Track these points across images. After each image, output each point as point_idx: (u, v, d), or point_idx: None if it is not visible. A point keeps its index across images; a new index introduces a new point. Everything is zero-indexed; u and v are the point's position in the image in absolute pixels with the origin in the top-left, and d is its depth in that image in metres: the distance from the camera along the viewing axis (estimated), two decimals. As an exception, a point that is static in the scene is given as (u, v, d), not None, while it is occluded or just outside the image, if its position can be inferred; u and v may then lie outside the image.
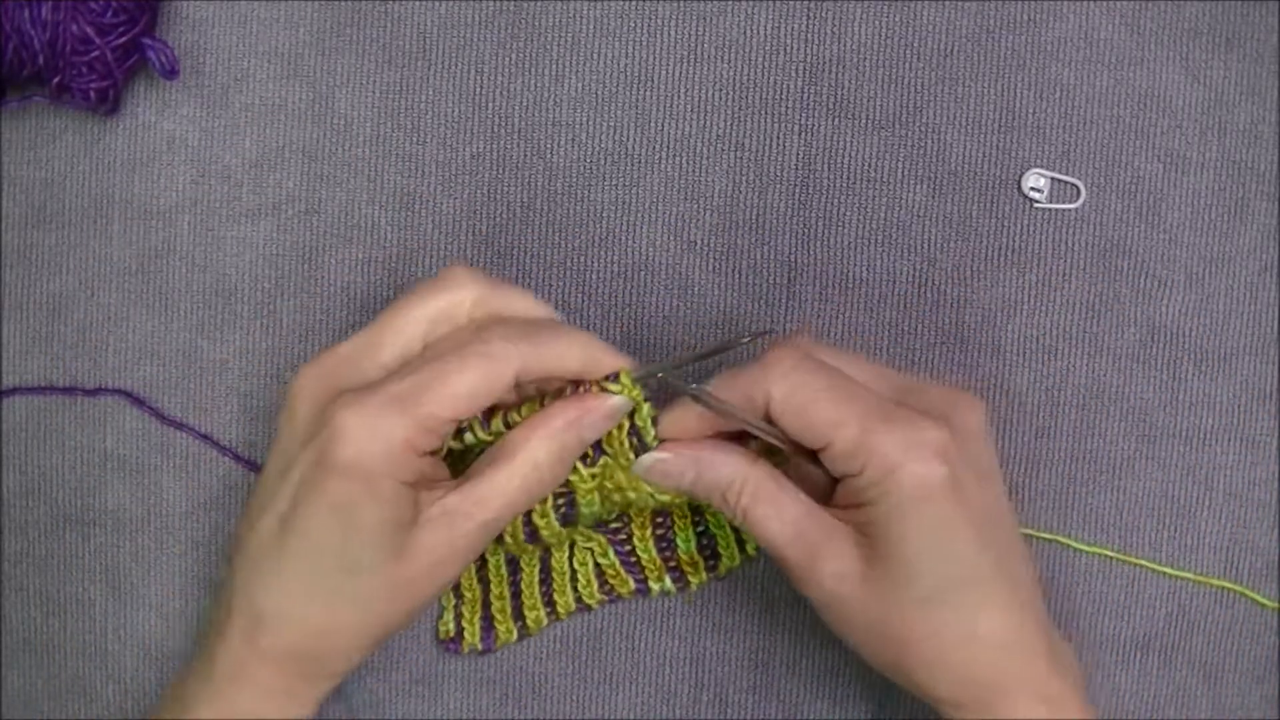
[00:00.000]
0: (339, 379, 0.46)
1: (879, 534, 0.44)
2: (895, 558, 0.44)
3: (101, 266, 0.55)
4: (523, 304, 0.47)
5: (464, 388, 0.44)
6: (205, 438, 0.55)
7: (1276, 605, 0.56)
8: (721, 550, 0.54)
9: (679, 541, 0.54)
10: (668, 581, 0.54)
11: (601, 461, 0.48)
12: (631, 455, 0.48)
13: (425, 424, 0.44)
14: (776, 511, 0.46)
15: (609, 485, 0.49)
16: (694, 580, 0.54)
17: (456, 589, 0.55)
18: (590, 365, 0.46)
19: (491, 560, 0.54)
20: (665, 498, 0.49)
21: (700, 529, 0.54)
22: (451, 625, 0.55)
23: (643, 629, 0.56)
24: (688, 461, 0.47)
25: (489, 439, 0.47)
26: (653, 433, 0.47)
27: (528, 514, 0.49)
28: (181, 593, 0.55)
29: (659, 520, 0.54)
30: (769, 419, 0.46)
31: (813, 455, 0.46)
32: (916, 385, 0.48)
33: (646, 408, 0.47)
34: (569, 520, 0.49)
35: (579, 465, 0.48)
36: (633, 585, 0.54)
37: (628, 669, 0.56)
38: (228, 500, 0.55)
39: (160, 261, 0.55)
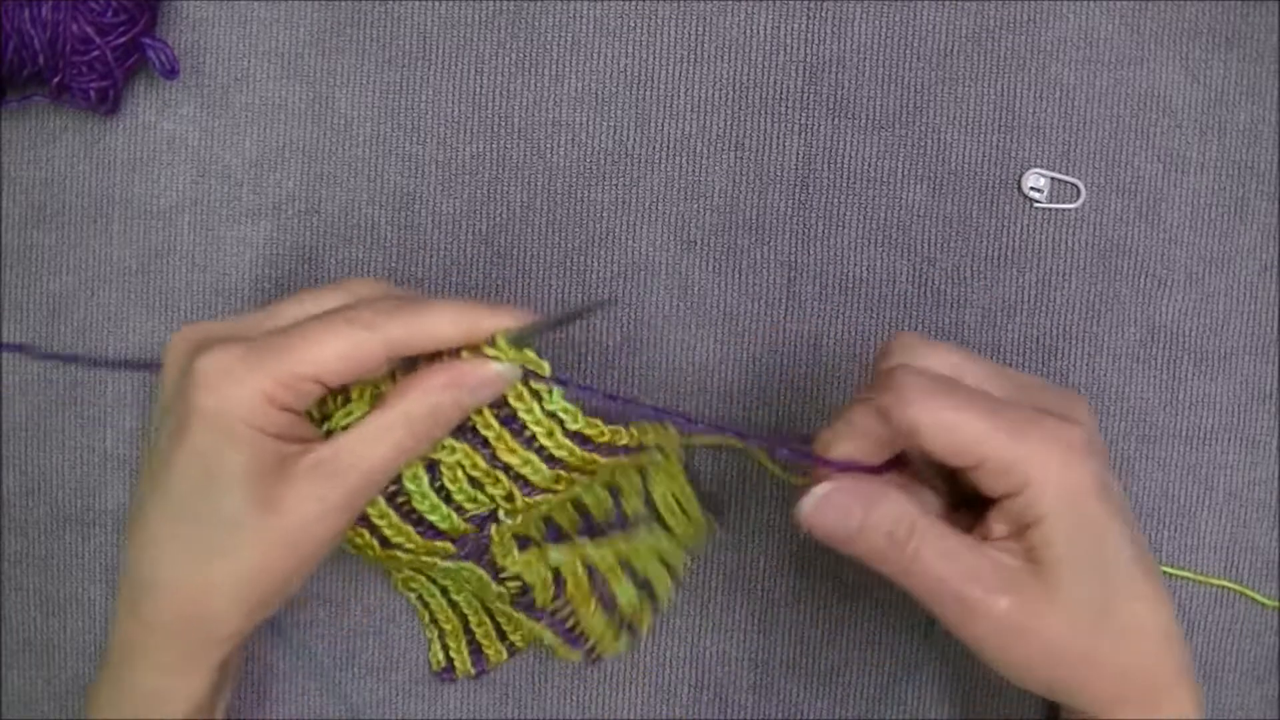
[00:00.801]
0: (209, 334, 0.45)
1: (1044, 547, 0.42)
2: (1062, 570, 0.42)
3: (101, 266, 0.55)
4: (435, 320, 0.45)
5: (329, 350, 0.43)
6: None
7: (1276, 605, 0.56)
8: (657, 586, 0.51)
9: (620, 597, 0.50)
10: (623, 642, 0.51)
11: (464, 445, 0.47)
12: (542, 422, 0.46)
13: (285, 379, 0.43)
14: (945, 550, 0.43)
15: (450, 463, 0.47)
16: (643, 626, 0.51)
17: (434, 620, 0.54)
18: (470, 330, 0.45)
19: (460, 598, 0.54)
20: (528, 478, 0.47)
21: (634, 577, 0.51)
22: (441, 656, 0.55)
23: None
24: (859, 502, 0.44)
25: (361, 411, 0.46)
26: (559, 404, 0.46)
27: (412, 508, 0.47)
28: (181, 593, 0.55)
29: (595, 587, 0.51)
30: (913, 446, 0.43)
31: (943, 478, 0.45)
32: (1029, 385, 0.45)
33: (546, 366, 0.45)
34: (419, 526, 0.47)
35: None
36: (581, 657, 0.51)
37: (627, 669, 0.56)
38: (228, 500, 0.55)
39: (160, 261, 0.55)
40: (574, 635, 0.51)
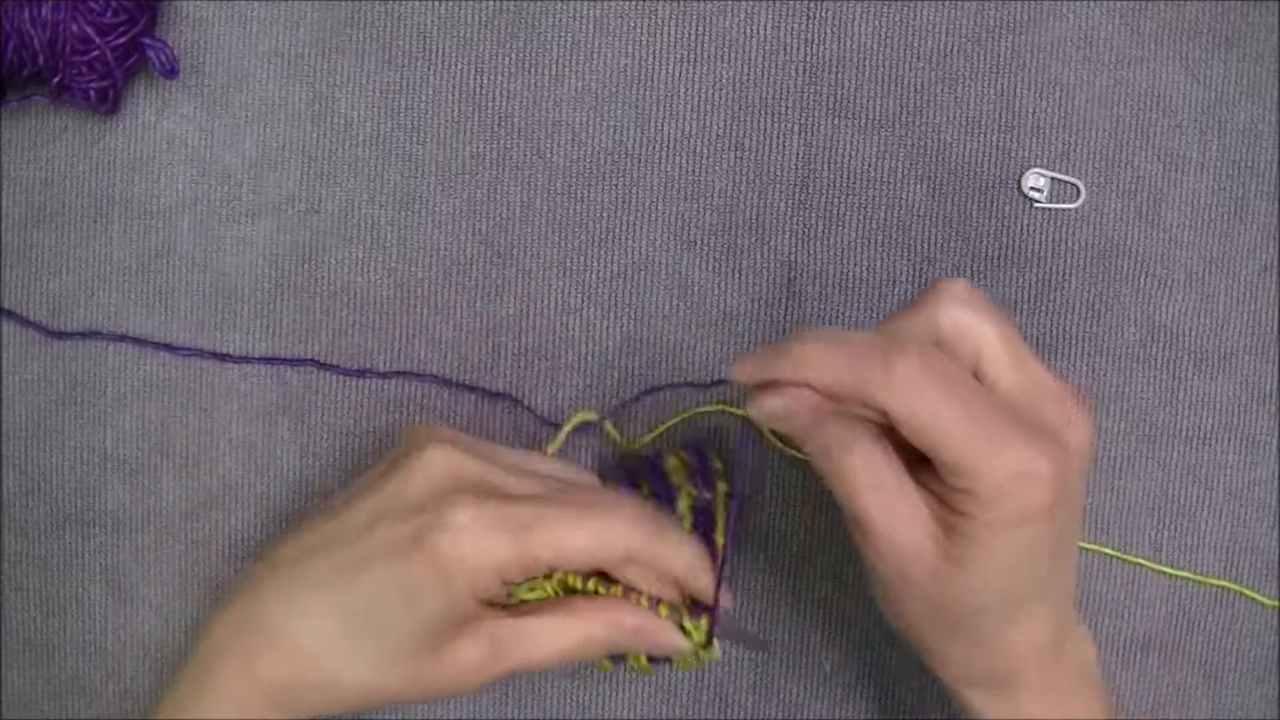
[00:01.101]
0: (466, 472, 0.46)
1: (963, 540, 0.43)
2: (972, 567, 0.43)
3: (101, 266, 0.55)
4: (682, 558, 0.47)
5: (577, 543, 0.44)
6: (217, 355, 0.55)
7: (1276, 605, 0.56)
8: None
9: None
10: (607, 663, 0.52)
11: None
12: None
13: (525, 560, 0.44)
14: (874, 479, 0.43)
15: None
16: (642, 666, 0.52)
17: None
18: (690, 577, 0.47)
19: None
20: None
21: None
22: None
23: (643, 629, 0.56)
24: (805, 411, 0.44)
25: (549, 591, 0.47)
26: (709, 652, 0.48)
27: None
28: (181, 593, 0.55)
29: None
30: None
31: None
32: (1039, 389, 0.45)
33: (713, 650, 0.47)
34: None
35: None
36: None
37: (628, 669, 0.56)
38: (227, 500, 0.55)
39: (160, 261, 0.55)
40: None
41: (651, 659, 0.50)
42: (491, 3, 0.54)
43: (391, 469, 0.47)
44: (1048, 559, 0.44)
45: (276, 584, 0.46)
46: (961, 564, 0.43)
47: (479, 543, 0.44)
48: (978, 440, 0.42)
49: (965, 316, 0.44)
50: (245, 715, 0.46)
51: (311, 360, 0.55)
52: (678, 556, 0.46)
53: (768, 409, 0.44)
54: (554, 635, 0.46)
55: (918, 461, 0.44)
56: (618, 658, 0.50)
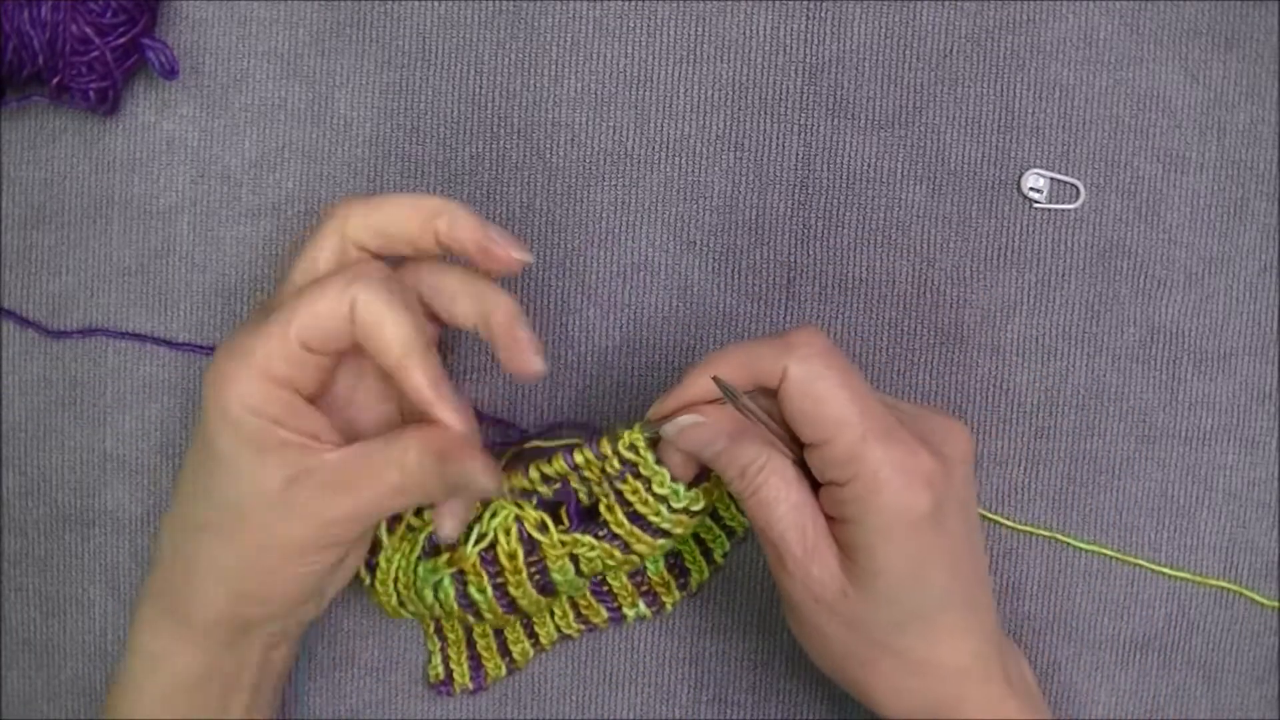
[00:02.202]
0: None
1: (858, 553, 0.44)
2: (872, 580, 0.44)
3: (101, 266, 0.55)
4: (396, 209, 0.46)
5: (320, 308, 0.43)
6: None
7: (1276, 605, 0.56)
8: (690, 565, 0.54)
9: (648, 564, 0.54)
10: (642, 606, 0.54)
11: (576, 534, 0.48)
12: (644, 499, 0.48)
13: (280, 353, 0.43)
14: (787, 496, 0.45)
15: (588, 557, 0.49)
16: (668, 601, 0.54)
17: (439, 631, 0.55)
18: (426, 213, 0.45)
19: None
20: (647, 557, 0.49)
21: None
22: (440, 669, 0.55)
23: (642, 629, 0.56)
24: (720, 433, 0.46)
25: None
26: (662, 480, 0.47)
27: (502, 585, 0.49)
28: (181, 593, 0.55)
29: None
30: (774, 395, 0.45)
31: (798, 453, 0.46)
32: (912, 410, 0.47)
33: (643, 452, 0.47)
34: (547, 590, 0.49)
35: (551, 527, 0.48)
36: (606, 614, 0.54)
37: (627, 669, 0.56)
38: (228, 500, 0.55)
39: (160, 261, 0.55)
40: (601, 589, 0.54)
41: (606, 604, 0.53)
42: (491, 3, 0.54)
43: None
44: (945, 571, 0.45)
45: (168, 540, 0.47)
46: (864, 579, 0.44)
47: (231, 355, 0.44)
48: (862, 423, 0.43)
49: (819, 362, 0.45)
50: (150, 628, 0.46)
51: None
52: (392, 208, 0.45)
53: (683, 422, 0.46)
54: (377, 460, 0.45)
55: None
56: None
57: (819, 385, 0.44)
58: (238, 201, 0.55)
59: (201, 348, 0.55)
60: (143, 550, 0.55)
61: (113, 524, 0.55)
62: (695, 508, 0.48)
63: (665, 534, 0.48)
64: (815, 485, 0.46)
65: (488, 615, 0.49)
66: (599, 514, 0.49)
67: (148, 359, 0.55)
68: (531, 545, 0.49)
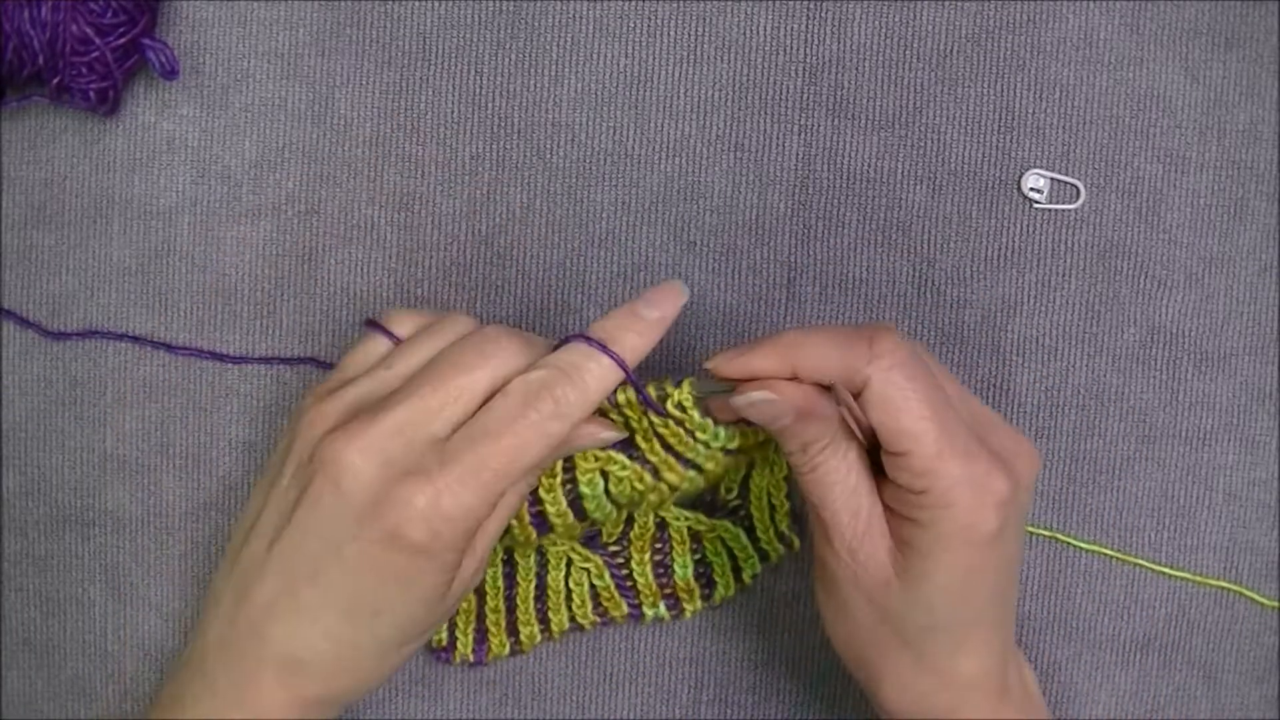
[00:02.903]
0: (395, 454, 0.45)
1: (913, 555, 0.44)
2: (920, 582, 0.44)
3: (101, 266, 0.55)
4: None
5: (531, 462, 0.44)
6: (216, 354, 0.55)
7: (1276, 605, 0.56)
8: (718, 578, 0.54)
9: (676, 568, 0.54)
10: (662, 608, 0.54)
11: (610, 451, 0.48)
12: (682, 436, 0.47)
13: (492, 498, 0.44)
14: (845, 478, 0.45)
15: (618, 476, 0.48)
16: (689, 608, 0.54)
17: None
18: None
19: (488, 572, 0.54)
20: (675, 489, 0.48)
21: (698, 556, 0.54)
22: (444, 634, 0.55)
23: (643, 630, 0.56)
24: (789, 408, 0.45)
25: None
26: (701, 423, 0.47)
27: (534, 496, 0.48)
28: (181, 593, 0.55)
29: (658, 546, 0.54)
30: (855, 398, 0.45)
31: (873, 450, 0.46)
32: (990, 419, 0.47)
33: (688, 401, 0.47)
34: (576, 509, 0.49)
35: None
36: (626, 609, 0.54)
37: (628, 669, 0.56)
38: (228, 501, 0.55)
39: (160, 261, 0.55)
40: (626, 584, 0.54)
41: (627, 599, 0.53)
42: (491, 3, 0.54)
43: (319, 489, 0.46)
44: (992, 585, 0.45)
45: (262, 610, 0.46)
46: (911, 578, 0.44)
47: (439, 513, 0.43)
48: (940, 440, 0.43)
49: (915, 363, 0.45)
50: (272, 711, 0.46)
51: (311, 360, 0.55)
52: (601, 379, 0.45)
53: (755, 398, 0.45)
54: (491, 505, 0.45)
55: (878, 476, 0.45)
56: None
57: (898, 399, 0.43)
58: (238, 201, 0.55)
59: (201, 352, 0.55)
60: (143, 550, 0.55)
61: (113, 524, 0.55)
62: (731, 445, 0.47)
63: (697, 467, 0.48)
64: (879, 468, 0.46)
65: (515, 527, 0.49)
66: (634, 442, 0.48)
67: (148, 359, 0.55)
68: (566, 462, 0.48)
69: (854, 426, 0.46)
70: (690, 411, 0.46)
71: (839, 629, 0.47)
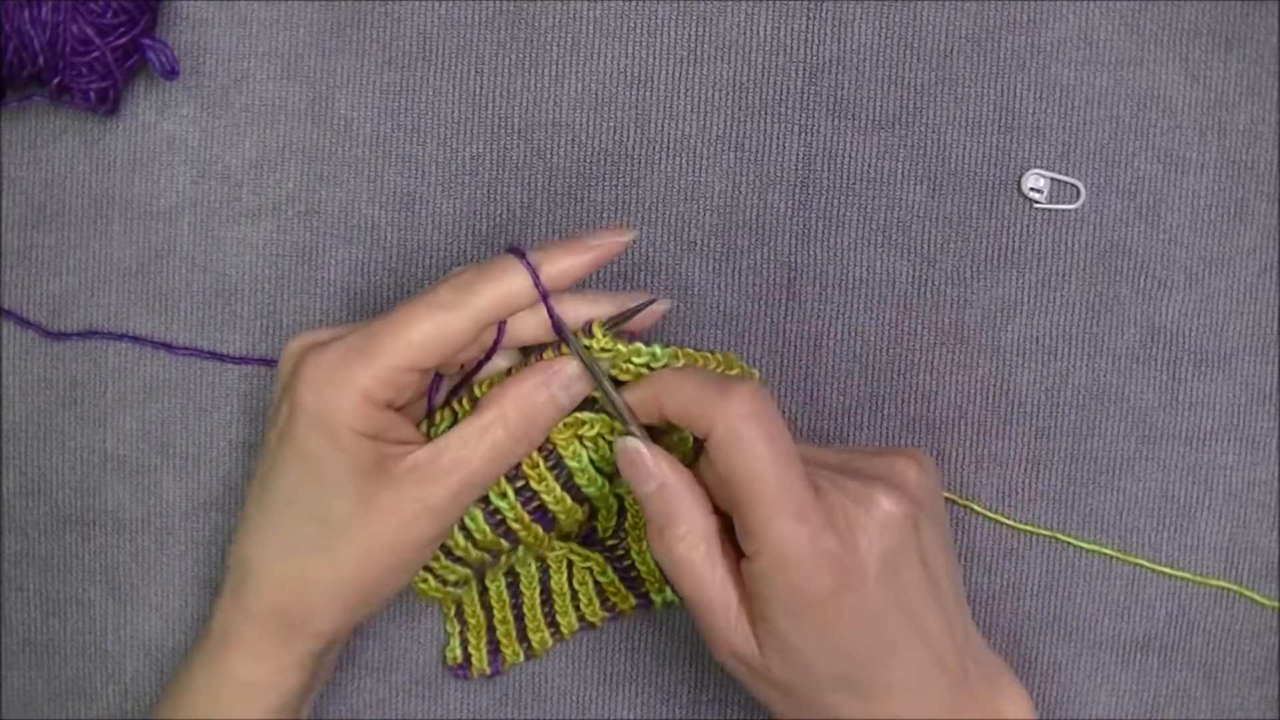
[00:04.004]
0: (317, 338, 0.47)
1: (768, 626, 0.44)
2: (785, 652, 0.44)
3: (101, 266, 0.55)
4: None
5: (415, 335, 0.44)
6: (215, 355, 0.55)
7: (1276, 605, 0.56)
8: None
9: None
10: (669, 592, 0.54)
11: (574, 415, 0.47)
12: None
13: (380, 374, 0.44)
14: (710, 572, 0.45)
15: (591, 436, 0.48)
16: None
17: (460, 615, 0.55)
18: (527, 295, 0.45)
19: (492, 586, 0.54)
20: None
21: None
22: (458, 651, 0.55)
23: (643, 630, 0.56)
24: (657, 475, 0.45)
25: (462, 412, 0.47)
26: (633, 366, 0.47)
27: (525, 484, 0.48)
28: (181, 593, 0.55)
29: None
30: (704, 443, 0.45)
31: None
32: (862, 459, 0.46)
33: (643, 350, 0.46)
34: (571, 490, 0.48)
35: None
36: (634, 600, 0.54)
37: (628, 670, 0.56)
38: (228, 500, 0.55)
39: (160, 261, 0.55)
40: (629, 575, 0.54)
41: (634, 591, 0.53)
42: (491, 3, 0.54)
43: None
44: (862, 637, 0.44)
45: (239, 527, 0.47)
46: (774, 650, 0.44)
47: (335, 383, 0.44)
48: (773, 496, 0.42)
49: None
50: (253, 654, 0.46)
51: None
52: (515, 277, 0.45)
53: (629, 445, 0.45)
54: (474, 434, 0.45)
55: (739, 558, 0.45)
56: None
57: (739, 452, 0.43)
58: (238, 201, 0.55)
59: (201, 352, 0.55)
60: (143, 550, 0.55)
61: (113, 524, 0.55)
62: (677, 364, 0.47)
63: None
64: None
65: (516, 526, 0.49)
66: (590, 403, 0.48)
67: (148, 359, 0.55)
68: (545, 447, 0.48)
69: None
70: (615, 345, 0.46)
71: (757, 700, 0.47)
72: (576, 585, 0.54)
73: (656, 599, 0.54)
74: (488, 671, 0.55)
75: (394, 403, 0.45)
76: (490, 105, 0.55)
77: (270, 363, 0.55)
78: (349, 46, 0.54)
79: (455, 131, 0.55)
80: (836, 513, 0.43)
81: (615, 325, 0.47)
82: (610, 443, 0.48)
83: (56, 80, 0.51)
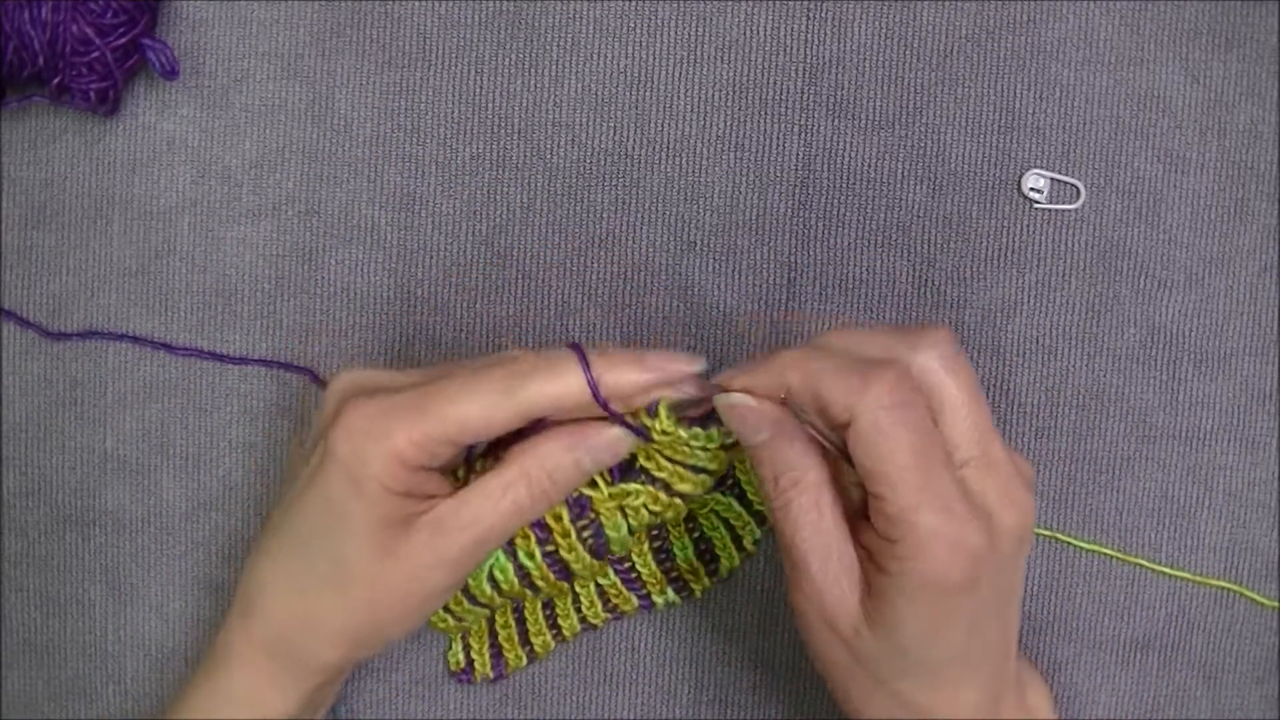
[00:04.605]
0: (364, 382, 0.46)
1: (883, 604, 0.43)
2: (888, 631, 0.44)
3: (101, 266, 0.55)
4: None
5: (462, 412, 0.44)
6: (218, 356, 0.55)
7: (1276, 605, 0.56)
8: (720, 552, 0.54)
9: (676, 550, 0.54)
10: (670, 593, 0.54)
11: (622, 484, 0.48)
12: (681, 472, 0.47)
13: (419, 440, 0.43)
14: (816, 520, 0.44)
15: (635, 506, 0.48)
16: (697, 587, 0.54)
17: (460, 621, 0.55)
18: (581, 394, 0.45)
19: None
20: (689, 498, 0.48)
21: (695, 534, 0.54)
22: (461, 656, 0.55)
23: (643, 630, 0.56)
24: (768, 421, 0.44)
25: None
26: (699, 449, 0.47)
27: (554, 550, 0.48)
28: (181, 593, 0.55)
29: (654, 533, 0.54)
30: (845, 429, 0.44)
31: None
32: (998, 457, 0.45)
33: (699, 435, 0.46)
34: (599, 552, 0.49)
35: (600, 481, 0.47)
36: (636, 602, 0.54)
37: (628, 670, 0.56)
38: (228, 500, 0.55)
39: (160, 261, 0.55)
40: (630, 577, 0.54)
41: (636, 592, 0.53)
42: (491, 3, 0.54)
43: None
44: (965, 632, 0.44)
45: (254, 554, 0.48)
46: (881, 626, 0.44)
47: (373, 437, 0.43)
48: (918, 489, 0.42)
49: (938, 372, 0.44)
50: (254, 676, 0.47)
51: (308, 370, 0.55)
52: (573, 378, 0.44)
53: (735, 399, 0.44)
54: (495, 490, 0.45)
55: (853, 515, 0.45)
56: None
57: (883, 443, 0.42)
58: (238, 201, 0.55)
59: (201, 352, 0.55)
60: (143, 550, 0.55)
61: (113, 524, 0.55)
62: (728, 441, 0.47)
63: (703, 470, 0.47)
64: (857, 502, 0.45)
65: (540, 582, 0.49)
66: (635, 464, 0.48)
67: (148, 359, 0.55)
68: (580, 508, 0.48)
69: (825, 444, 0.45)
70: (677, 430, 0.46)
71: (819, 664, 0.47)
72: (578, 588, 0.54)
73: (658, 600, 0.54)
74: (491, 676, 0.55)
75: (428, 465, 0.45)
76: (490, 105, 0.55)
77: (271, 363, 0.55)
78: (349, 46, 0.54)
79: (455, 131, 0.55)
80: (979, 512, 0.43)
81: (682, 410, 0.46)
82: (653, 511, 0.48)
83: (56, 80, 0.51)
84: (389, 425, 0.44)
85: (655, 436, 0.46)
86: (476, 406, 0.44)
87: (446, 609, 0.50)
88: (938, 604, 0.43)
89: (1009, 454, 0.45)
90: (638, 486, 0.48)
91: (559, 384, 0.44)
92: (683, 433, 0.46)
